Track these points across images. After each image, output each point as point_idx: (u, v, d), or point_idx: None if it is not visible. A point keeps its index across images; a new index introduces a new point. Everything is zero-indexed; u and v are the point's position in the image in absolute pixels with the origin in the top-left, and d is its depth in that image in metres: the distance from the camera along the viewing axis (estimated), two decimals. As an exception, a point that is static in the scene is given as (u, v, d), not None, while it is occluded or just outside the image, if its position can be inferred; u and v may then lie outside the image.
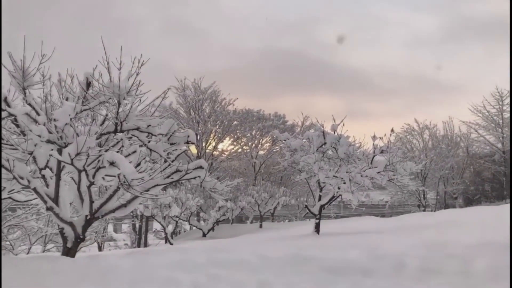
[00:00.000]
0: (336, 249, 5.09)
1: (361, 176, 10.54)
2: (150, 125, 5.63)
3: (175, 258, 5.02)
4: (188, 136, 6.10)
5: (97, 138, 5.54)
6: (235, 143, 33.93)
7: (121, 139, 5.80)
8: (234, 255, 5.03)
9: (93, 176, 5.46)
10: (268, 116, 34.27)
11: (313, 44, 72.08)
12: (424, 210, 34.02)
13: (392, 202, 38.70)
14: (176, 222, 19.17)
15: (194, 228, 24.61)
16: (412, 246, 5.00)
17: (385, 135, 11.09)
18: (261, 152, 33.88)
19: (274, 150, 32.95)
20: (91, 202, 6.13)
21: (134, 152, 6.40)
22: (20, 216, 14.03)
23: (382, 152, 10.98)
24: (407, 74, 70.25)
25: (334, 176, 10.83)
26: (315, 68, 66.69)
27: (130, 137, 5.81)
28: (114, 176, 5.55)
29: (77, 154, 4.95)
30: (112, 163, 5.00)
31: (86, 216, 6.44)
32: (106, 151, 5.75)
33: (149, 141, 5.84)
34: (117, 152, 6.56)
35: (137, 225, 27.66)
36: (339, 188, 10.82)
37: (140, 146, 5.97)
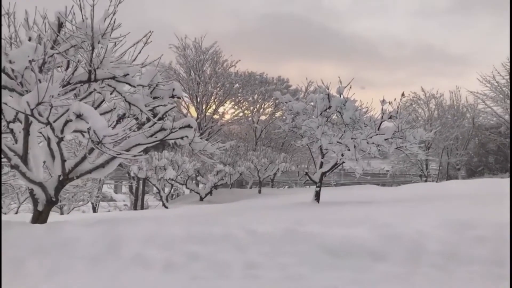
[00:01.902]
0: (340, 224, 4.38)
1: (367, 143, 9.77)
2: (128, 74, 4.82)
3: (149, 229, 4.33)
4: (174, 90, 5.31)
5: (65, 86, 4.74)
6: (236, 107, 33.07)
7: (94, 90, 5.01)
8: (219, 228, 4.33)
9: (62, 131, 4.70)
10: (271, 80, 33.21)
11: (319, 11, 70.13)
12: (426, 181, 33.57)
13: (394, 171, 38.16)
14: (172, 185, 18.58)
15: (192, 191, 24.14)
16: (430, 224, 4.26)
17: (395, 99, 10.27)
18: (262, 117, 33.05)
19: (276, 115, 32.11)
20: (63, 161, 5.41)
21: (114, 108, 5.64)
22: (7, 174, 13.39)
23: (390, 117, 10.18)
24: (413, 44, 68.68)
25: (338, 142, 10.06)
26: (321, 35, 65.15)
27: (103, 87, 5.00)
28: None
29: (38, 104, 4.17)
30: (79, 116, 4.24)
31: (59, 176, 5.73)
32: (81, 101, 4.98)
33: (128, 93, 5.05)
34: (94, 105, 5.80)
35: (134, 187, 27.16)
36: (342, 155, 10.08)
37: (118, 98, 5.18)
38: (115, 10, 4.83)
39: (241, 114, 33.11)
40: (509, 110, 34.20)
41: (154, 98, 5.37)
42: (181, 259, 3.64)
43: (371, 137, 9.84)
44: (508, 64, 33.52)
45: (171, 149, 19.26)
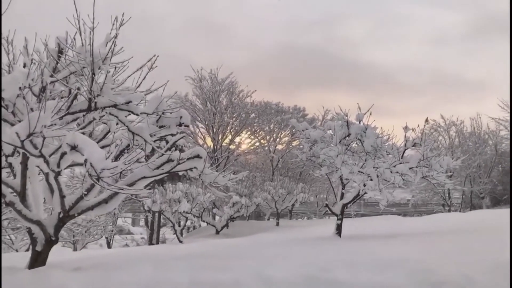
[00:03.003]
0: (369, 268, 3.80)
1: (391, 172, 9.18)
2: (130, 101, 4.43)
3: (147, 276, 3.83)
4: (181, 117, 4.88)
5: (64, 116, 4.36)
6: (252, 137, 32.72)
7: (93, 119, 4.62)
8: (228, 275, 3.80)
9: (58, 165, 4.28)
10: (287, 108, 32.89)
11: (335, 41, 70.47)
12: (449, 210, 32.37)
13: (415, 200, 37.01)
14: (186, 218, 18.05)
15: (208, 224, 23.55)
16: (477, 267, 3.65)
17: (418, 126, 9.71)
18: (279, 147, 32.58)
19: (293, 144, 31.61)
20: (62, 197, 4.98)
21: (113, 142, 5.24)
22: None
23: (414, 145, 9.60)
24: (430, 71, 68.12)
25: (359, 171, 9.49)
26: (337, 65, 65.15)
27: (104, 116, 4.59)
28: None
29: (30, 135, 3.79)
30: (73, 147, 3.83)
31: (59, 213, 5.30)
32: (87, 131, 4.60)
33: (131, 122, 4.65)
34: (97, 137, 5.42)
35: (149, 220, 26.69)
36: (364, 185, 9.48)
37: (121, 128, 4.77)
38: (117, 33, 4.48)
39: (257, 143, 32.73)
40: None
41: (161, 127, 4.96)
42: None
43: (394, 166, 9.26)
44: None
45: (186, 181, 18.85)
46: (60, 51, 4.93)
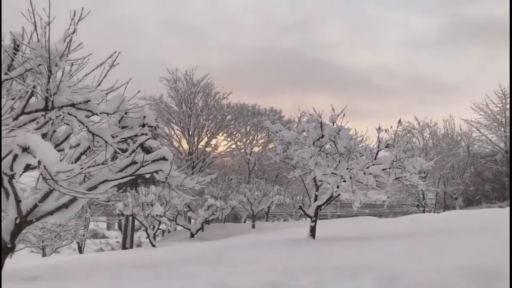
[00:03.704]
0: (339, 275, 3.62)
1: (364, 173, 9.13)
2: (89, 100, 4.20)
3: (97, 287, 3.60)
4: (145, 117, 4.67)
5: (19, 116, 4.11)
6: (228, 139, 32.50)
7: (50, 119, 4.37)
8: (184, 284, 3.60)
9: (11, 168, 4.02)
10: (263, 111, 32.80)
11: (311, 44, 70.99)
12: (423, 211, 32.79)
13: (391, 202, 37.40)
14: (159, 222, 17.71)
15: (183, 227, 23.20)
16: (449, 273, 3.52)
17: (391, 127, 9.69)
18: (255, 149, 32.45)
19: (269, 147, 31.52)
20: (18, 201, 4.71)
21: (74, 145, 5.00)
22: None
23: (387, 146, 9.58)
24: (405, 75, 69.34)
25: (332, 173, 9.41)
26: (313, 68, 65.59)
27: (61, 116, 4.34)
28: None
29: (-23, 135, 3.53)
30: (25, 149, 3.59)
31: (16, 219, 5.02)
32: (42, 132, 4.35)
33: (92, 123, 4.41)
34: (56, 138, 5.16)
35: (123, 224, 26.16)
36: (338, 187, 9.41)
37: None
38: (75, 28, 4.25)
39: (233, 146, 32.52)
40: (504, 138, 33.88)
41: (123, 127, 4.73)
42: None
43: (368, 167, 9.21)
44: (501, 91, 33.39)
45: (160, 184, 18.51)
46: (16, 48, 4.66)
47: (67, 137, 5.84)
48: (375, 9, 76.46)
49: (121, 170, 4.98)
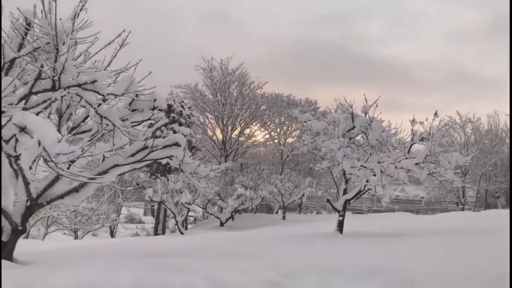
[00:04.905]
0: (346, 275, 3.29)
1: (395, 167, 8.66)
2: (96, 81, 4.01)
3: (89, 276, 3.42)
4: (155, 100, 4.45)
5: (26, 97, 3.97)
6: (262, 129, 32.24)
7: (55, 99, 4.20)
8: (178, 277, 3.36)
9: (15, 148, 3.90)
10: (298, 101, 32.32)
11: (351, 37, 69.54)
12: (463, 209, 31.56)
13: (429, 198, 36.15)
14: (188, 209, 17.69)
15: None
16: (468, 281, 3.12)
17: (426, 119, 9.13)
18: (289, 140, 32.05)
19: (303, 138, 31.04)
20: (26, 183, 4.61)
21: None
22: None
23: (422, 140, 9.04)
24: (447, 68, 66.79)
25: (362, 166, 8.98)
26: (352, 60, 64.26)
27: (69, 96, 4.18)
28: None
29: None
30: (22, 129, 3.43)
31: (26, 201, 4.94)
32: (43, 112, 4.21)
33: (99, 105, 4.23)
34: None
35: (155, 210, 26.46)
36: (367, 181, 8.97)
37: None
38: (83, 5, 4.06)
39: (267, 136, 32.25)
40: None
41: (133, 110, 4.54)
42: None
43: (399, 161, 8.73)
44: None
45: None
46: (28, 26, 4.53)
47: (84, 120, 5.73)
48: (417, 1, 73.93)
49: (132, 155, 4.80)
